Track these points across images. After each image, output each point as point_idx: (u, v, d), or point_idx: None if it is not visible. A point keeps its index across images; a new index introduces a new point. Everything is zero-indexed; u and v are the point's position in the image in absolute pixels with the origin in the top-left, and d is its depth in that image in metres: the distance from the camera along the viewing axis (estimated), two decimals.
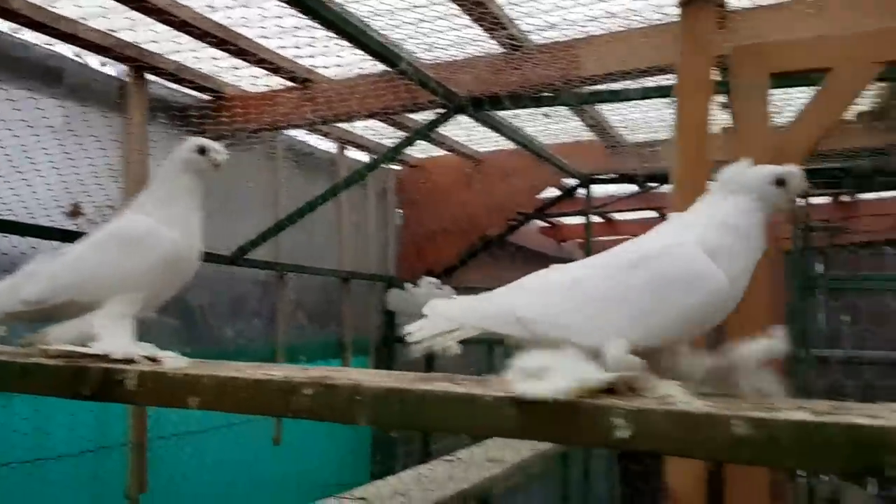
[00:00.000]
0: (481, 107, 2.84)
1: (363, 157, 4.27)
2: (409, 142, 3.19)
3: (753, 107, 1.88)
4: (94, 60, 2.76)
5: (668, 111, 3.65)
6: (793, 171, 1.12)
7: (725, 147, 2.07)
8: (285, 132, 3.64)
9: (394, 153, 3.33)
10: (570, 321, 1.05)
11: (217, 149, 1.43)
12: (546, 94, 2.76)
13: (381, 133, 4.05)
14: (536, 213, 4.90)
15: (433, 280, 4.58)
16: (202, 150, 1.41)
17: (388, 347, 4.44)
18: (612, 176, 4.56)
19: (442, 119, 2.94)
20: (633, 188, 4.72)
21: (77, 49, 2.63)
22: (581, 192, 4.69)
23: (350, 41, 2.32)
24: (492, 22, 2.53)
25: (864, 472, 0.85)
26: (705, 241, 1.07)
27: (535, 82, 2.71)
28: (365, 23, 2.47)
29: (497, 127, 3.31)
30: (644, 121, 4.03)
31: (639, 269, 1.07)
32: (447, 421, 1.00)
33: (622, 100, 2.84)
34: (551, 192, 4.89)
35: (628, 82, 2.77)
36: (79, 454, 2.57)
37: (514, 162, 4.44)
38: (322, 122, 3.10)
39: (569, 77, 2.72)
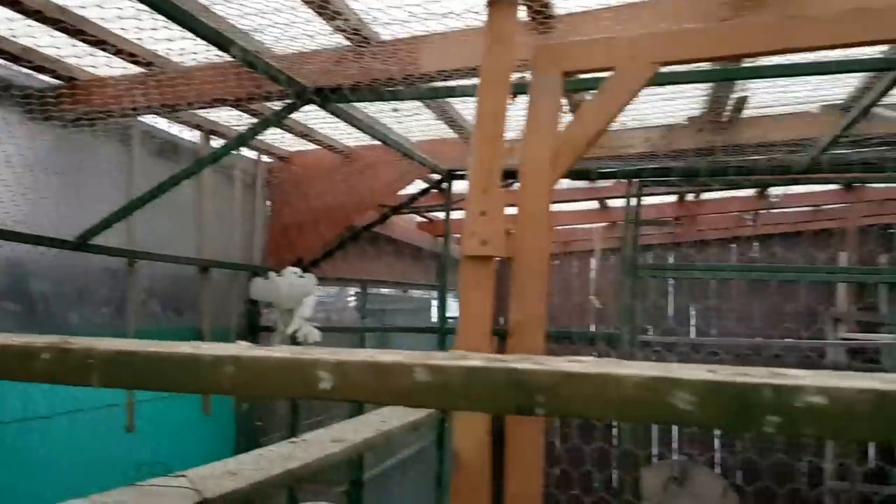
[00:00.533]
0: (326, 98, 2.94)
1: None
2: (256, 130, 3.25)
3: (543, 104, 2.03)
4: None
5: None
6: None
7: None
8: (144, 119, 3.63)
9: (241, 141, 3.38)
10: None
11: None
12: (389, 88, 2.88)
13: (246, 123, 4.08)
14: (401, 206, 5.03)
15: (296, 270, 4.74)
16: None
17: (252, 336, 4.48)
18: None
19: (289, 109, 3.02)
20: None
21: None
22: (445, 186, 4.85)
23: (181, 26, 2.36)
24: (334, 13, 2.61)
25: (519, 411, 0.98)
26: None
27: (375, 76, 2.81)
28: (208, 8, 2.53)
29: (350, 120, 3.40)
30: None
31: None
32: (172, 380, 1.09)
33: (458, 96, 2.99)
34: (421, 186, 5.04)
35: (468, 80, 2.90)
36: None
37: (381, 156, 4.56)
38: (171, 108, 3.12)
39: (408, 73, 2.83)
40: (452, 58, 2.80)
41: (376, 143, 4.43)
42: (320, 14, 2.64)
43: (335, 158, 4.65)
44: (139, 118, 3.59)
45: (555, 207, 7.29)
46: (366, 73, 2.88)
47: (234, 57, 2.53)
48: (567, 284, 8.29)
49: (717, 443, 7.28)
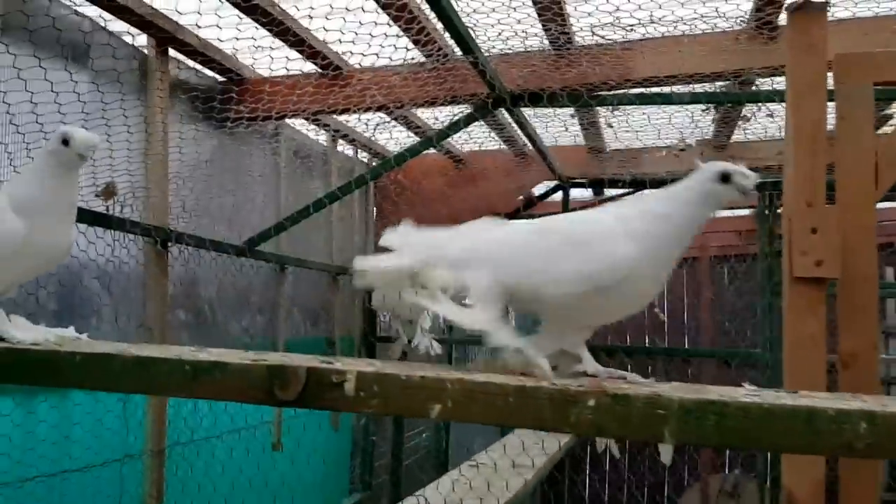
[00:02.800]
0: (523, 102, 2.75)
1: (350, 152, 4.11)
2: (447, 133, 3.04)
3: (856, 115, 1.86)
4: (119, 27, 2.50)
5: (677, 117, 3.71)
6: (738, 168, 1.18)
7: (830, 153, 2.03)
8: (288, 122, 3.45)
9: (427, 145, 3.15)
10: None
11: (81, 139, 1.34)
12: (599, 93, 2.70)
13: (363, 123, 3.89)
14: (515, 213, 4.85)
15: None
16: (66, 142, 1.34)
17: (368, 347, 4.28)
18: (592, 179, 4.55)
19: (481, 112, 2.83)
20: (609, 192, 4.74)
21: (101, 13, 2.38)
22: (556, 195, 4.69)
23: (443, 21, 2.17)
24: (554, 15, 2.44)
25: None
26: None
27: (587, 80, 2.64)
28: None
29: (524, 126, 3.21)
30: (639, 126, 4.05)
31: (552, 232, 1.24)
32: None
33: (671, 103, 2.82)
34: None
35: (677, 87, 2.74)
36: (102, 464, 2.31)
37: (498, 162, 4.38)
38: (354, 110, 2.93)
39: (614, 78, 2.67)
40: (667, 63, 2.63)
41: (488, 149, 4.26)
42: (539, 15, 2.47)
43: (445, 162, 4.45)
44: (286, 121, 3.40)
45: None
46: (579, 77, 2.70)
47: (472, 60, 2.33)
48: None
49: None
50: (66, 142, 1.33)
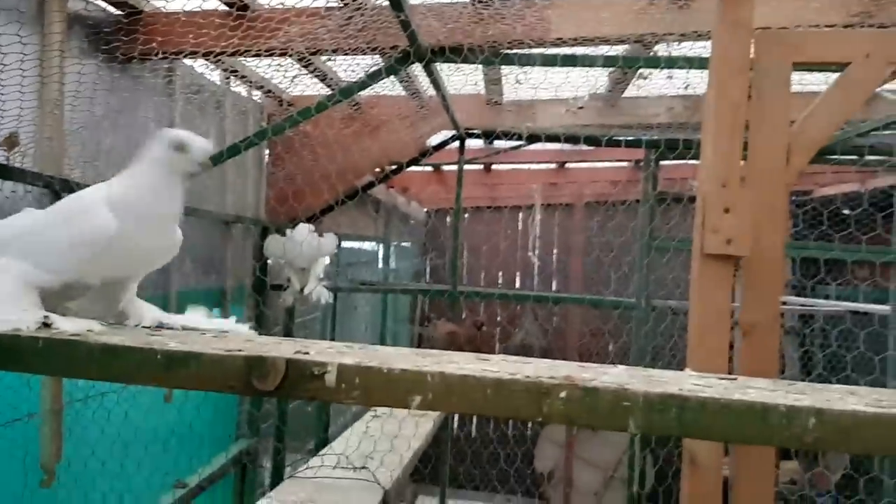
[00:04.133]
0: (445, 57, 2.72)
1: (244, 91, 3.93)
2: (365, 84, 2.96)
3: (772, 95, 1.96)
4: None
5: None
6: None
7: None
8: (183, 61, 3.24)
9: (347, 93, 3.05)
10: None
11: (200, 148, 1.33)
12: (519, 51, 2.71)
13: (269, 65, 3.73)
14: (411, 162, 4.83)
15: (310, 226, 4.46)
16: (180, 148, 1.32)
17: (260, 295, 4.19)
18: (488, 131, 4.59)
19: (401, 62, 2.77)
20: (505, 144, 4.82)
21: None
22: (453, 144, 4.70)
23: None
24: None
25: None
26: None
27: (507, 38, 2.64)
28: None
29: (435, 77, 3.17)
30: (540, 80, 4.09)
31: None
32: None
33: (587, 65, 2.86)
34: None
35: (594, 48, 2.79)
36: (4, 424, 2.19)
37: (398, 109, 4.32)
38: (260, 53, 2.79)
39: (536, 37, 2.68)
40: (586, 25, 2.67)
41: (390, 94, 4.19)
42: None
43: (346, 108, 4.35)
44: (182, 60, 3.20)
45: (514, 167, 7.34)
46: (483, 35, 2.69)
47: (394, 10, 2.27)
48: (511, 240, 8.39)
49: None
50: (180, 148, 1.30)
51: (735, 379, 1.16)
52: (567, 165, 7.38)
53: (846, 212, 6.86)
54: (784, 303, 6.45)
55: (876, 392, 1.05)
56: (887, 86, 3.64)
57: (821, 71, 2.56)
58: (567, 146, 5.90)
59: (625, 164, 7.43)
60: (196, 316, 1.38)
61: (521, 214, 8.50)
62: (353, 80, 3.28)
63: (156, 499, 3.08)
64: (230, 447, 3.95)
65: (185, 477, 3.33)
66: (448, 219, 8.70)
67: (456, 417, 8.34)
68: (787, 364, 6.59)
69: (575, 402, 1.01)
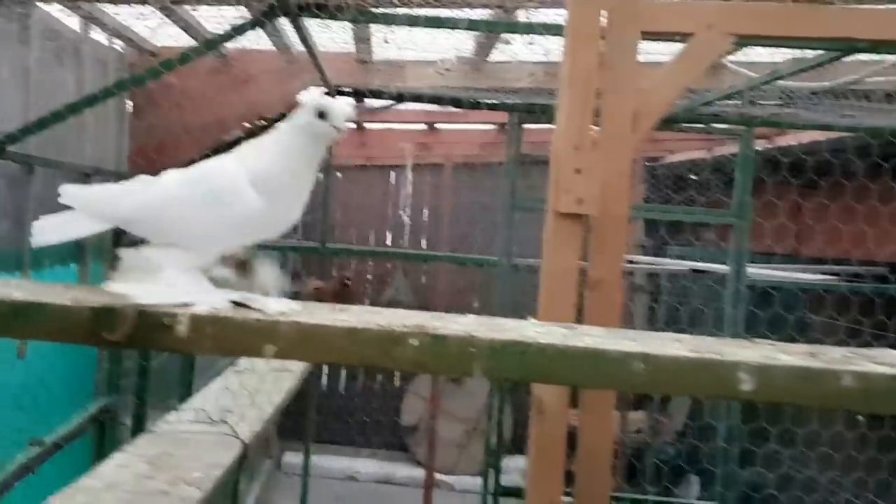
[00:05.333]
0: (310, 13, 2.67)
1: (104, 40, 3.72)
2: (230, 35, 2.85)
3: (622, 64, 2.07)
4: None
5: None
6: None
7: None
8: (39, 5, 3.03)
9: (212, 45, 2.94)
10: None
11: (342, 112, 1.30)
12: (383, 10, 2.70)
13: (128, 14, 3.56)
14: (281, 118, 4.72)
15: None
16: (322, 115, 1.29)
17: (115, 246, 4.02)
18: (359, 90, 4.56)
19: (267, 15, 2.70)
20: (376, 103, 4.81)
21: None
22: None
23: None
24: None
25: None
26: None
27: None
28: None
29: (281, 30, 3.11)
30: (407, 40, 4.11)
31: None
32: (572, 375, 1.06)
33: (451, 27, 2.89)
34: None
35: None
36: None
37: (266, 64, 4.22)
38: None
39: None
40: None
41: (259, 49, 4.09)
42: None
43: (211, 61, 4.21)
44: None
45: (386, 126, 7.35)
46: None
47: None
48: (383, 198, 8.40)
49: None
50: (322, 114, 1.28)
51: (574, 328, 1.24)
52: (437, 126, 7.45)
53: (692, 177, 7.32)
54: (633, 262, 6.87)
55: (698, 339, 1.16)
56: (731, 57, 3.90)
57: (669, 41, 2.69)
58: (436, 107, 5.97)
59: (492, 126, 7.59)
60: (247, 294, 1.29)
61: (392, 174, 8.52)
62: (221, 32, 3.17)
63: (10, 456, 2.96)
64: (89, 405, 3.82)
65: (41, 435, 3.21)
66: (321, 176, 8.61)
67: (325, 374, 8.37)
68: (637, 318, 7.00)
69: (424, 349, 1.06)
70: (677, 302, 5.54)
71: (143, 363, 4.06)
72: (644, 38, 2.08)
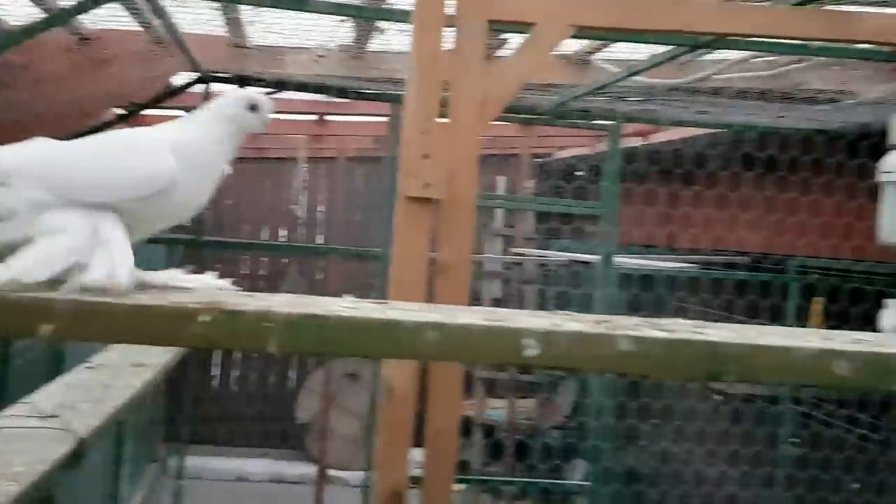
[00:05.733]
0: None
1: None
2: (76, 11, 2.72)
3: (469, 51, 2.09)
4: None
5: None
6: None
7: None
8: None
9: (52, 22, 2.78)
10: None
11: (269, 107, 1.35)
12: None
13: None
14: (153, 104, 4.58)
15: None
16: (254, 108, 1.34)
17: None
18: (235, 75, 4.46)
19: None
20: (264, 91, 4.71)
21: None
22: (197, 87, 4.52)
23: None
24: None
25: (710, 378, 1.11)
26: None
27: None
28: None
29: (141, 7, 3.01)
30: (281, 27, 4.04)
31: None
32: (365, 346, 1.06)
33: (318, 11, 2.85)
34: None
35: None
36: None
37: (130, 45, 4.06)
38: None
39: None
40: None
41: (122, 28, 3.93)
42: None
43: (67, 39, 3.98)
44: None
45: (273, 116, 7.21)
46: None
47: None
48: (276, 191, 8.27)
49: None
50: (254, 107, 1.33)
51: (386, 303, 1.25)
52: (327, 118, 7.37)
53: (578, 173, 7.53)
54: (520, 254, 7.00)
55: (495, 311, 1.18)
56: (599, 54, 4.02)
57: (514, 31, 2.72)
58: (323, 98, 5.91)
59: (385, 118, 7.56)
60: (175, 272, 1.30)
61: (286, 167, 8.40)
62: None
63: None
64: None
65: None
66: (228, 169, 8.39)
67: (215, 371, 8.17)
68: (528, 308, 7.15)
69: (216, 325, 1.04)
70: (564, 292, 5.69)
71: (4, 363, 3.86)
72: (490, 27, 2.12)
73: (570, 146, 7.56)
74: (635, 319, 1.14)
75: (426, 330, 1.04)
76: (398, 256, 1.99)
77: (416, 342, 1.04)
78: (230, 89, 1.38)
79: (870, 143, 3.73)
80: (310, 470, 7.27)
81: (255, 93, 1.38)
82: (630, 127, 5.61)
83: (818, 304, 4.33)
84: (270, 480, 7.61)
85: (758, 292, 4.55)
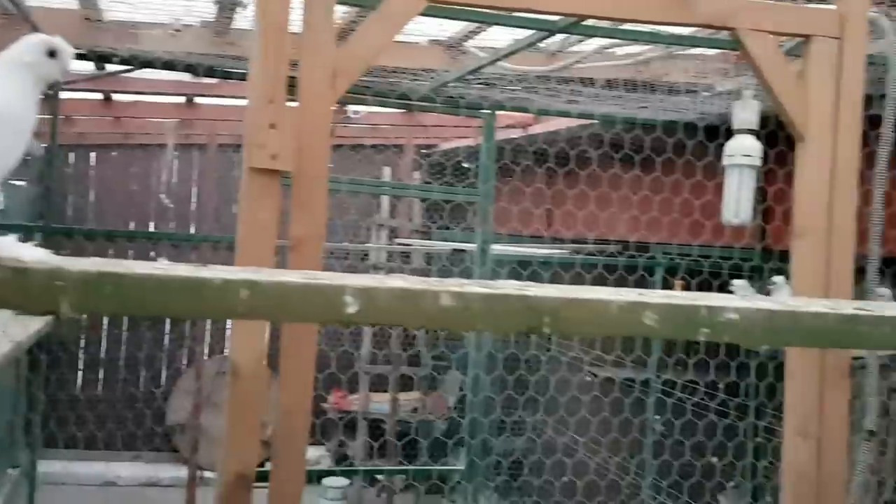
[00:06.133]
0: None
1: None
2: None
3: (319, 23, 2.02)
4: None
5: None
6: (63, 43, 1.33)
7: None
8: None
9: None
10: None
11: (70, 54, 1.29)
12: None
13: None
14: None
15: None
16: (52, 54, 1.27)
17: None
18: (89, 51, 4.20)
19: None
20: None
21: None
22: None
23: None
24: None
25: (529, 331, 1.10)
26: None
27: None
28: None
29: None
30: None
31: None
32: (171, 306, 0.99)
33: None
34: None
35: None
36: None
37: None
38: None
39: None
40: None
41: None
42: None
43: None
44: None
45: (137, 98, 6.85)
46: None
47: None
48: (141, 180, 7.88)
49: None
50: (52, 53, 1.26)
51: (216, 268, 1.17)
52: (197, 101, 7.06)
53: (465, 165, 7.57)
54: (404, 244, 6.98)
55: (319, 272, 1.13)
56: (472, 42, 4.02)
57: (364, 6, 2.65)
58: (191, 79, 5.67)
59: None
60: None
61: (154, 154, 8.00)
62: None
63: None
64: None
65: None
66: (73, 155, 7.93)
67: (74, 381, 7.72)
68: None
69: (4, 285, 0.95)
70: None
71: None
72: (340, 3, 2.06)
73: (454, 137, 7.58)
74: (465, 281, 1.11)
75: (237, 288, 0.98)
76: (244, 231, 1.91)
77: (225, 300, 0.98)
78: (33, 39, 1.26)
79: (726, 132, 3.90)
80: (184, 472, 6.99)
81: (54, 38, 1.29)
82: (510, 118, 5.69)
83: (679, 285, 4.51)
84: (142, 484, 7.28)
85: (625, 275, 4.69)
